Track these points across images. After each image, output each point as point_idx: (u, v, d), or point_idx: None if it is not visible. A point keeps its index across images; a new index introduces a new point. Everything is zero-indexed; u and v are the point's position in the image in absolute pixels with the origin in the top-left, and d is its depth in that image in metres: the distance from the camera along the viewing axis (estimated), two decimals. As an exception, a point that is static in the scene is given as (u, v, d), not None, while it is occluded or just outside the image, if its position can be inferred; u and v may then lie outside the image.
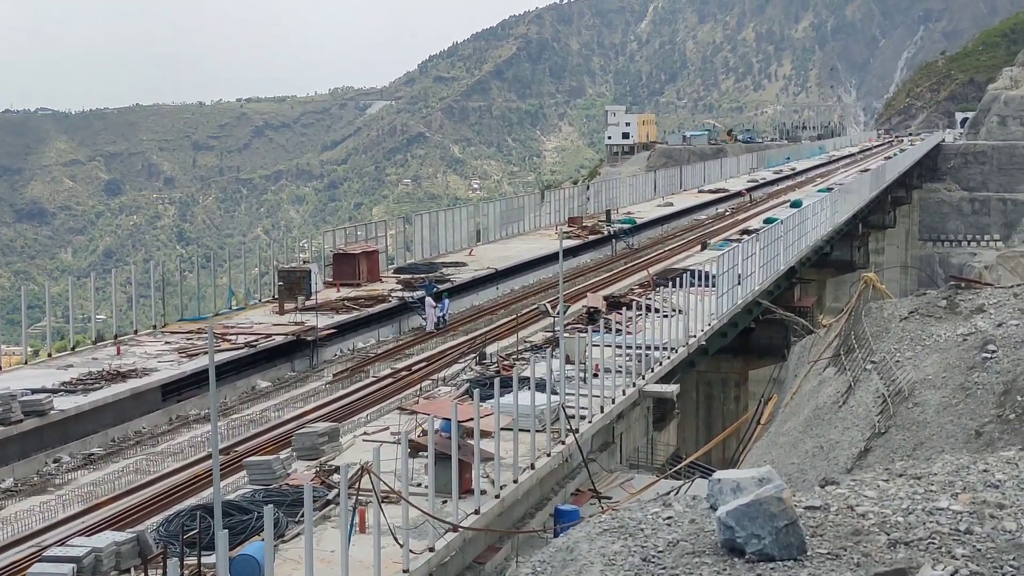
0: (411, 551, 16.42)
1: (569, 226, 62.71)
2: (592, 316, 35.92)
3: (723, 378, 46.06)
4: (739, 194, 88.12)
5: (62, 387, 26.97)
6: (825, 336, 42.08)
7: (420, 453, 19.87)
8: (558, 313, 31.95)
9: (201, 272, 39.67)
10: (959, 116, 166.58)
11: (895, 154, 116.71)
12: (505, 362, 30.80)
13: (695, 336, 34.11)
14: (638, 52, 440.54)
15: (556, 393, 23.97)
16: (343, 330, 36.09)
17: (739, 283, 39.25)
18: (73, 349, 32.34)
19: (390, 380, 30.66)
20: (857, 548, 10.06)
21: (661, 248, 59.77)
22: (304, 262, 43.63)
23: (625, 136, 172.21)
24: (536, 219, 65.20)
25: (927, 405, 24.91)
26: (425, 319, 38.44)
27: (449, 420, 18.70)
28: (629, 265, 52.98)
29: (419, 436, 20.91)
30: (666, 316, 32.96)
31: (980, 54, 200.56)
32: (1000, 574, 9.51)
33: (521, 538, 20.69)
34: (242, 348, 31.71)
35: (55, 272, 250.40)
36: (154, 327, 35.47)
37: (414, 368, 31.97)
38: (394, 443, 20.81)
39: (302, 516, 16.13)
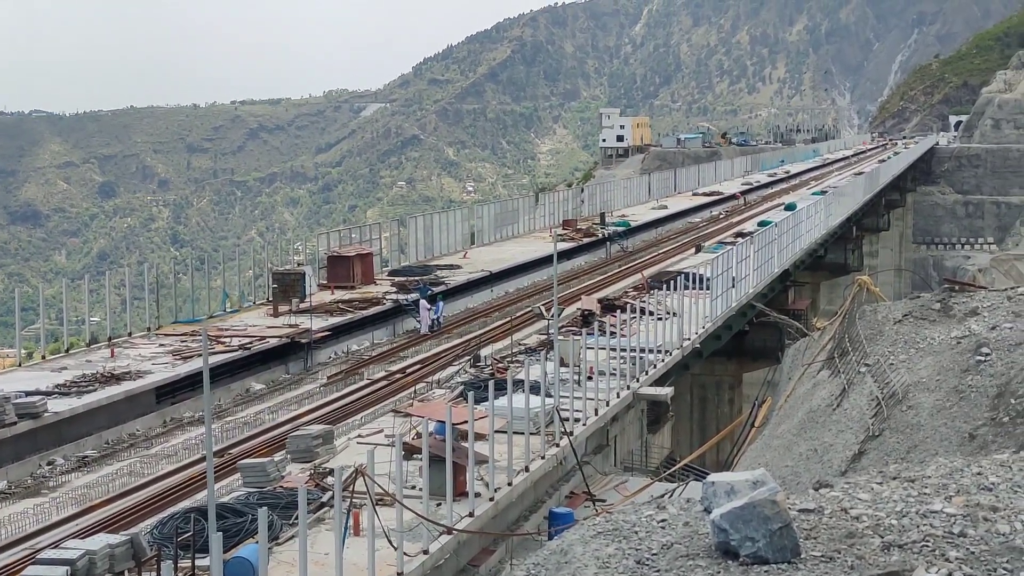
0: (405, 554, 16.42)
1: (563, 229, 62.72)
2: (586, 319, 35.96)
3: (717, 381, 46.11)
4: (733, 197, 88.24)
5: (56, 389, 26.94)
6: (819, 339, 42.21)
7: (414, 456, 19.86)
8: (552, 316, 31.96)
9: (195, 274, 39.57)
10: (953, 119, 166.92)
11: (889, 157, 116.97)
12: (499, 365, 30.81)
13: (689, 339, 34.13)
14: (632, 55, 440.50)
15: (550, 396, 23.96)
16: (337, 332, 36.08)
17: (733, 286, 39.29)
18: (67, 351, 32.31)
19: (384, 382, 30.65)
20: (851, 551, 10.08)
21: (655, 251, 59.83)
22: (298, 264, 43.63)
23: (619, 139, 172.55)
24: (530, 222, 65.27)
25: (921, 408, 24.97)
26: (419, 321, 38.45)
27: (443, 423, 18.69)
28: (623, 268, 53.01)
29: (413, 439, 20.90)
30: (660, 319, 33.00)
31: (974, 57, 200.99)
32: (993, 576, 9.53)
33: (515, 541, 20.68)
34: (236, 350, 31.70)
35: (49, 274, 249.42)
36: (148, 329, 35.44)
37: (408, 371, 31.97)
38: (388, 446, 20.78)
39: (296, 518, 16.10)
